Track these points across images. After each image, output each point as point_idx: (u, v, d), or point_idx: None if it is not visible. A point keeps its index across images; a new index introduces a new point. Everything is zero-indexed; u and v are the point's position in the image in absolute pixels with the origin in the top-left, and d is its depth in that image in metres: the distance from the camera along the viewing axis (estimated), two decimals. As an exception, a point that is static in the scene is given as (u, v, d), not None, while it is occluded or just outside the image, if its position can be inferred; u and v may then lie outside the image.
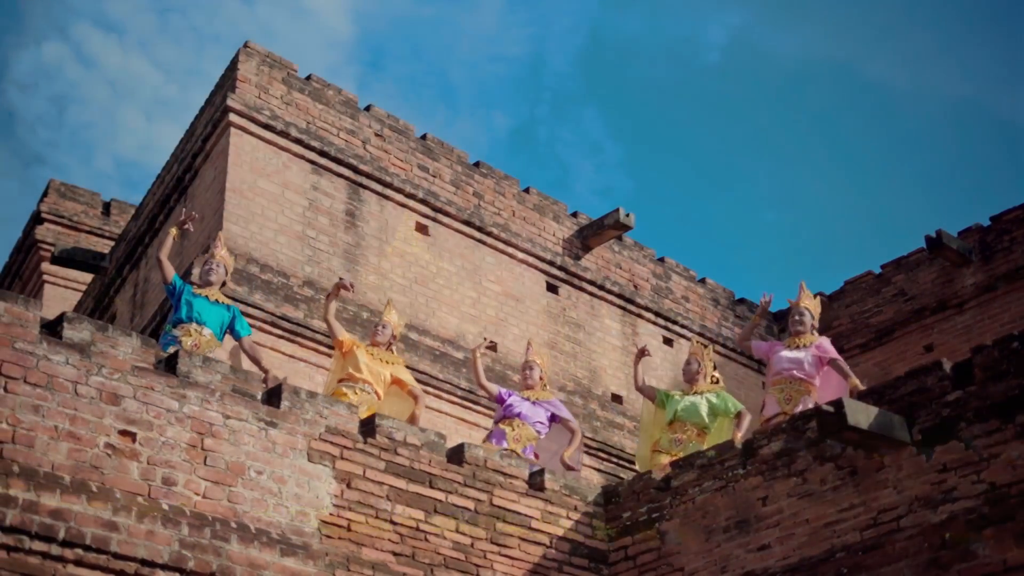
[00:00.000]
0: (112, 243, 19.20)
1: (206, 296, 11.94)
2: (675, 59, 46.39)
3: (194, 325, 11.74)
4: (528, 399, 12.45)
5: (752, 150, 44.85)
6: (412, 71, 48.25)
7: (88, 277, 19.02)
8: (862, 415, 9.24)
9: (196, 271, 12.60)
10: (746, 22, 46.50)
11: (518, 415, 12.28)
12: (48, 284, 20.56)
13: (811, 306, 12.69)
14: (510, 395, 12.48)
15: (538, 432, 12.35)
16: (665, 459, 11.84)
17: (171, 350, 10.86)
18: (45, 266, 20.25)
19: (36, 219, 21.01)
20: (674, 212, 45.09)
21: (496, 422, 12.45)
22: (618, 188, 46.48)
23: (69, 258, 17.16)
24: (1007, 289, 17.08)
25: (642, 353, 13.11)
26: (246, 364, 12.11)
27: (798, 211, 45.33)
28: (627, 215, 16.41)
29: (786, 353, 12.43)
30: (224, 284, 12.28)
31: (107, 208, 21.64)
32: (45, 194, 21.23)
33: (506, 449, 11.80)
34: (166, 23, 46.48)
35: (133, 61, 45.91)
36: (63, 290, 20.55)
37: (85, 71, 45.51)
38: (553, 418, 12.54)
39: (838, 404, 9.28)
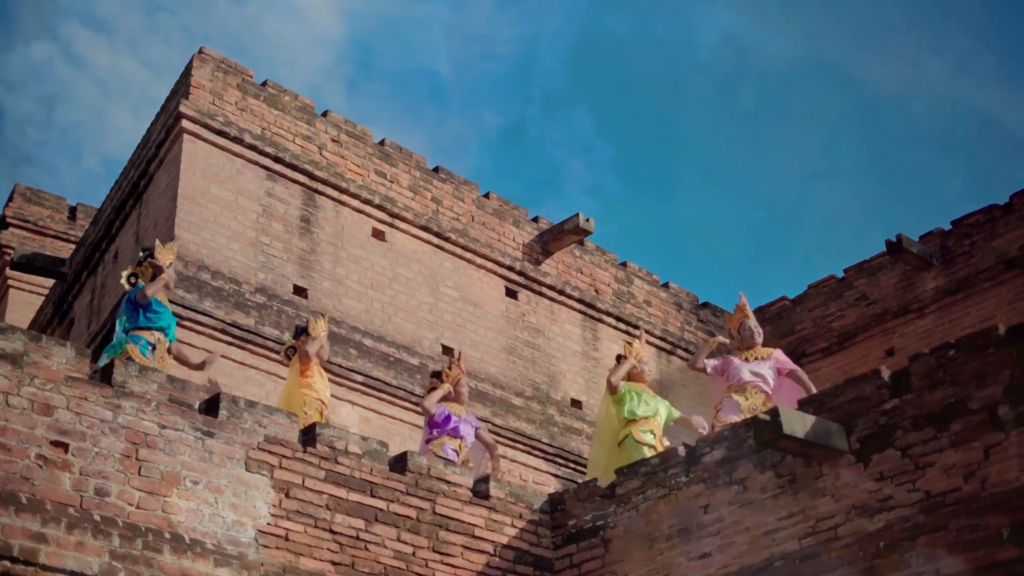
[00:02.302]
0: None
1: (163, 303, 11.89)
2: (665, 58, 46.44)
3: (157, 332, 11.69)
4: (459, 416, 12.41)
5: (738, 149, 44.95)
6: (402, 70, 48.28)
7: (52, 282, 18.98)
8: (798, 424, 9.22)
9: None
10: (736, 21, 46.56)
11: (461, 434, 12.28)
12: (13, 289, 20.51)
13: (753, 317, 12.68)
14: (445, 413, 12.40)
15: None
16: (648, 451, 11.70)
17: (148, 354, 10.92)
18: (9, 271, 20.20)
19: (1, 223, 20.96)
20: (662, 212, 45.21)
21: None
22: (608, 187, 46.54)
23: (29, 263, 17.11)
24: (968, 293, 17.09)
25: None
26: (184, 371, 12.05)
27: (771, 211, 45.49)
28: (587, 220, 16.38)
29: (746, 365, 12.38)
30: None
31: (73, 213, 21.59)
32: (10, 199, 21.18)
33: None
34: (156, 22, 46.43)
35: (122, 60, 45.84)
36: (28, 295, 20.50)
37: (74, 70, 45.43)
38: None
39: (774, 412, 9.26)
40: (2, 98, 44.68)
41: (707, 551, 9.96)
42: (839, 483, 9.32)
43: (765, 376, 12.28)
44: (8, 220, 20.90)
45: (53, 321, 16.94)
